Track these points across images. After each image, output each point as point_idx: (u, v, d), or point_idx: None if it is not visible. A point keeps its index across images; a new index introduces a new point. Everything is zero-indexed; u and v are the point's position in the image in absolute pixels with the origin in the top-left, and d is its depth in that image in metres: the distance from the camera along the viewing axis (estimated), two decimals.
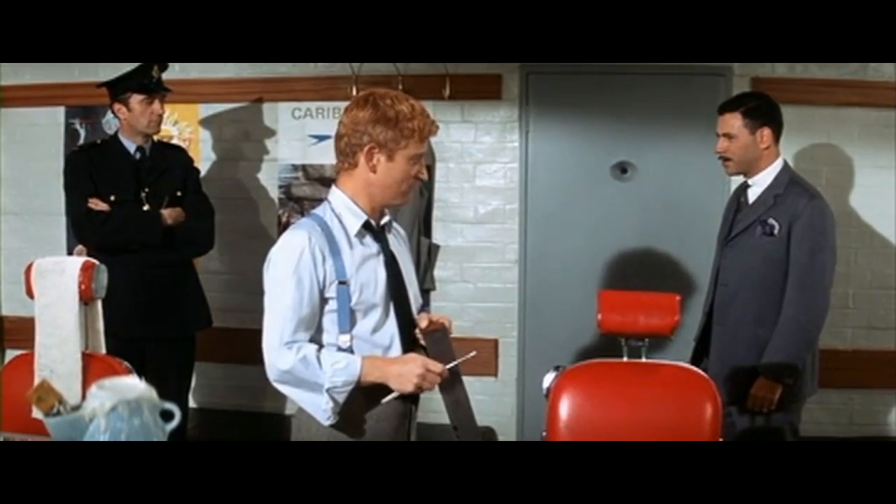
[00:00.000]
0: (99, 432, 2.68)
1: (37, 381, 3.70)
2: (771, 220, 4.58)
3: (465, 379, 5.96)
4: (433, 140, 6.04)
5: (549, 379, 3.84)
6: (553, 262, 6.19)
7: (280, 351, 3.30)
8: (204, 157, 6.63)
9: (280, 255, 3.38)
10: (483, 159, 6.26)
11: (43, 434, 3.19)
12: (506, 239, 6.28)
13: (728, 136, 4.71)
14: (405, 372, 3.31)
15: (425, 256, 6.17)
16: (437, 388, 3.44)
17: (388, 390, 3.32)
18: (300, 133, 6.50)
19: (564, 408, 3.65)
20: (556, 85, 6.11)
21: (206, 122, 6.68)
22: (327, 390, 3.27)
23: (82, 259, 3.91)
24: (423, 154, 3.45)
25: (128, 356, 4.98)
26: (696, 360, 4.78)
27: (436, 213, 6.33)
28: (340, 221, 3.45)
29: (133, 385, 2.79)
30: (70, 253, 6.00)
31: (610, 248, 6.12)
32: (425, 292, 6.28)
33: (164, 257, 5.33)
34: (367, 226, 3.47)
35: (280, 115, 6.54)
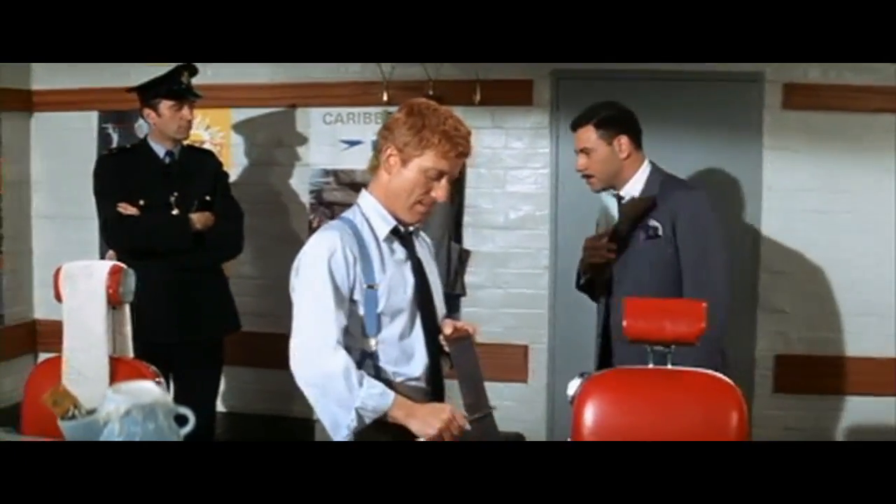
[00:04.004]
0: (113, 436, 2.70)
1: (64, 384, 3.71)
2: (652, 222, 4.40)
3: (496, 385, 5.99)
4: None
5: (573, 386, 3.80)
6: None
7: (323, 354, 3.27)
8: (236, 162, 6.65)
9: (313, 256, 3.37)
10: (514, 165, 6.24)
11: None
12: (537, 245, 6.25)
13: (585, 151, 4.52)
14: (430, 417, 3.26)
15: (456, 262, 6.16)
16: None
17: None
18: (331, 138, 6.50)
19: (589, 414, 3.61)
20: (587, 90, 6.02)
21: (238, 127, 6.69)
22: (357, 408, 3.23)
23: (110, 263, 3.92)
24: (442, 172, 3.37)
25: (156, 360, 4.99)
26: None
27: (467, 218, 6.31)
28: (370, 225, 3.44)
29: (148, 389, 2.81)
30: (102, 257, 6.00)
31: None
32: (456, 297, 6.26)
33: (192, 262, 5.33)
34: (395, 231, 3.46)
35: (311, 120, 6.54)
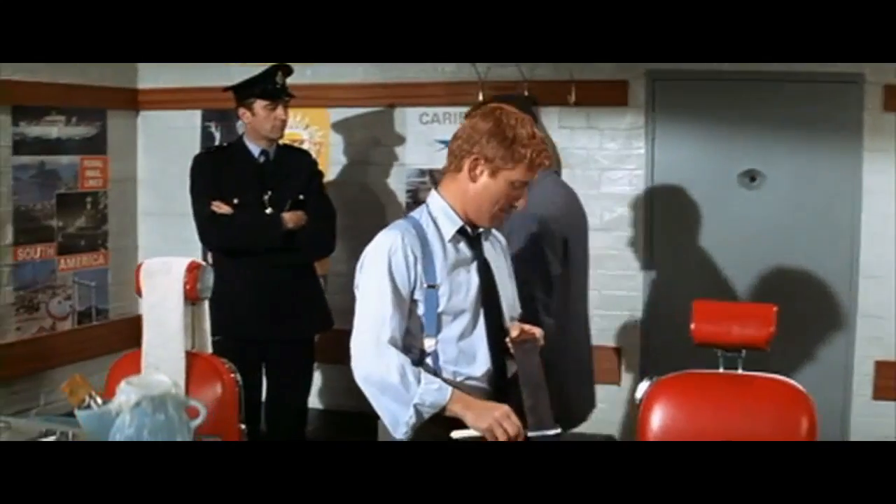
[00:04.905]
0: (124, 426, 2.80)
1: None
2: None
3: None
4: (559, 146, 6.05)
5: (642, 388, 3.78)
6: (678, 270, 6.09)
7: (379, 351, 3.31)
8: (334, 161, 6.72)
9: (373, 256, 3.42)
10: (608, 166, 6.18)
11: None
12: (630, 246, 6.20)
13: None
14: (486, 412, 3.27)
15: None
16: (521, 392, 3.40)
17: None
18: (427, 138, 6.52)
19: (655, 417, 3.60)
20: (682, 91, 6.00)
21: (336, 127, 6.75)
22: (415, 405, 3.26)
23: (188, 260, 3.99)
24: (526, 183, 3.42)
25: (248, 357, 5.11)
26: None
27: None
28: (436, 225, 3.47)
29: (159, 382, 2.91)
30: (205, 254, 6.11)
31: (736, 257, 5.98)
32: None
33: (284, 260, 5.39)
34: (462, 231, 3.48)
35: (408, 120, 6.57)
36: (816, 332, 5.88)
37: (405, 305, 3.37)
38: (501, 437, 3.25)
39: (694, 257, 6.08)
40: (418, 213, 3.54)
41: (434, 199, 3.54)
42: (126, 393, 2.88)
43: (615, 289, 6.20)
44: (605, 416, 6.03)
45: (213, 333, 4.89)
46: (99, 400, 3.22)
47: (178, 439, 2.94)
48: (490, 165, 3.39)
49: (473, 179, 3.44)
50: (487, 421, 3.24)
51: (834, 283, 5.84)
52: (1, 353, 5.97)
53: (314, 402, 6.29)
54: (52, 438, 3.36)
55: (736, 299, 5.79)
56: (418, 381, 3.28)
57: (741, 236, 5.98)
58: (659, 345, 6.12)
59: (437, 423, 3.30)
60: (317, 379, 5.89)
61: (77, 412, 3.22)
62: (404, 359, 3.31)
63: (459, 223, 3.47)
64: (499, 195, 3.41)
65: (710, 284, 5.92)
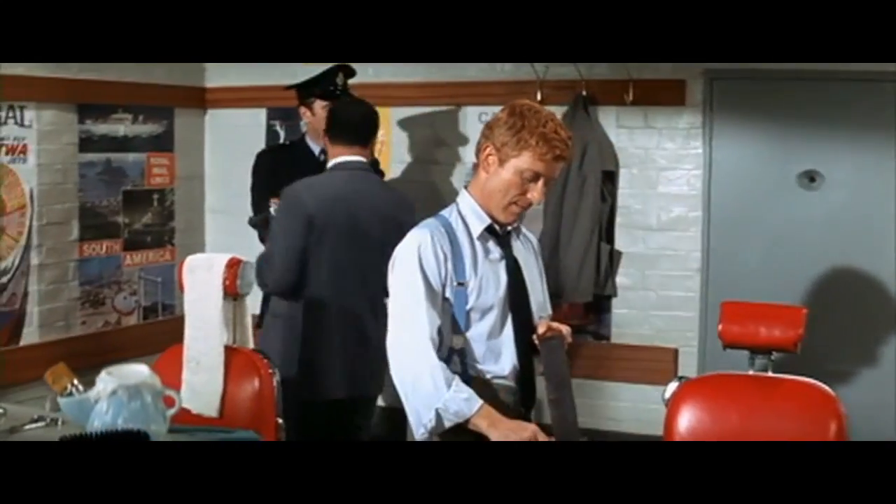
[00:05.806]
0: (101, 413, 2.94)
1: (185, 372, 3.89)
2: None
3: (645, 388, 5.93)
4: (617, 146, 6.05)
5: (670, 389, 3.79)
6: (736, 271, 6.02)
7: (418, 350, 3.28)
8: (396, 160, 6.78)
9: (405, 254, 3.44)
10: (666, 166, 6.16)
11: (183, 423, 3.39)
12: (688, 247, 6.14)
13: None
14: (511, 432, 3.19)
15: (606, 262, 6.12)
16: (545, 397, 3.42)
17: None
18: None
19: (682, 418, 3.61)
20: (740, 90, 5.96)
21: (400, 125, 6.81)
22: (437, 409, 3.22)
23: (229, 256, 4.06)
24: (538, 174, 3.37)
25: None
26: None
27: (618, 219, 6.25)
28: (465, 223, 3.50)
29: (137, 372, 3.06)
30: None
31: (794, 258, 5.91)
32: (606, 298, 6.24)
33: None
34: (490, 230, 3.50)
35: (468, 119, 6.60)
36: (875, 333, 5.81)
37: (438, 301, 3.37)
38: None
39: (751, 258, 6.03)
40: (448, 212, 3.58)
41: (463, 197, 3.57)
42: (104, 382, 3.01)
43: (672, 289, 6.18)
44: (660, 418, 5.99)
45: None
46: (81, 388, 3.34)
47: (153, 427, 3.02)
48: (500, 154, 3.40)
49: (486, 170, 3.46)
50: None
51: (894, 285, 5.76)
52: (66, 347, 6.05)
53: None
54: (41, 424, 3.46)
55: (794, 301, 5.71)
56: (448, 387, 3.22)
57: (800, 237, 5.92)
58: (716, 346, 6.02)
59: (458, 435, 3.25)
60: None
61: (59, 399, 3.34)
62: (440, 364, 3.27)
63: (487, 221, 3.48)
64: (509, 185, 3.39)
65: (767, 286, 5.84)
